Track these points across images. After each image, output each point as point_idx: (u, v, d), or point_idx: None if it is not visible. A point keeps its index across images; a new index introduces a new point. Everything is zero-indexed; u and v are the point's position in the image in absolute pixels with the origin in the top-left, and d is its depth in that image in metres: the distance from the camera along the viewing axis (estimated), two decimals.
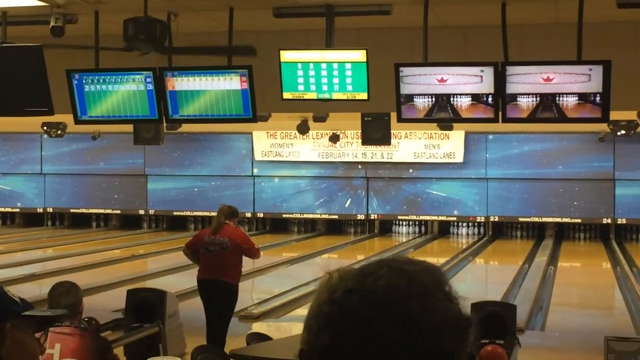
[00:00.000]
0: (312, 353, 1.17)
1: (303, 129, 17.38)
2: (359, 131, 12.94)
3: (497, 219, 21.74)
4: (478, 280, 15.84)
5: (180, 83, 7.16)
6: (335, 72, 7.00)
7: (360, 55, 6.94)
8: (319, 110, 12.60)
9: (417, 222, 22.63)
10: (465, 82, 6.75)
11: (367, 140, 12.71)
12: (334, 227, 22.85)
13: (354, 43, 7.74)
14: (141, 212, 23.50)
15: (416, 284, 1.16)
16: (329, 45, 7.11)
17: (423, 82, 6.83)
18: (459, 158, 21.48)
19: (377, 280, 1.16)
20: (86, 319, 6.60)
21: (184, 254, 8.61)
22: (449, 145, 21.46)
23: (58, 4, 7.37)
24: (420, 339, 1.13)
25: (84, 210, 23.87)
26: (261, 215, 22.86)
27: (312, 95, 7.13)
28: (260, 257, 8.82)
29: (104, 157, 23.35)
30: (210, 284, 8.10)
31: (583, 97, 6.52)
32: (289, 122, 17.63)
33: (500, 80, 6.62)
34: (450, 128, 17.66)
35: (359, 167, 22.27)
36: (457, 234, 22.30)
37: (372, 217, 22.49)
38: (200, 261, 8.29)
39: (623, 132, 16.54)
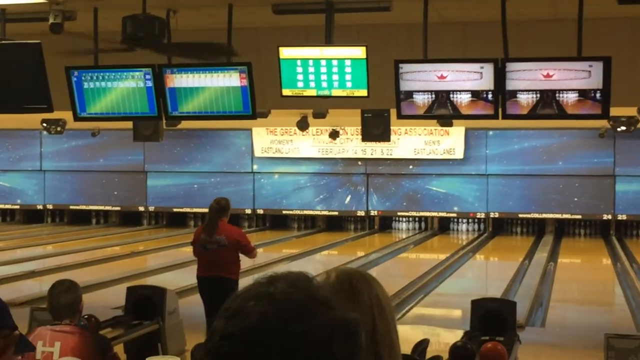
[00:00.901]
0: None
1: (303, 125, 17.37)
2: (359, 127, 12.93)
3: (497, 215, 21.73)
4: (478, 277, 15.84)
5: (180, 80, 7.15)
6: (335, 69, 6.99)
7: (359, 52, 6.93)
8: (318, 107, 12.58)
9: (417, 219, 22.64)
10: (465, 78, 6.74)
11: (367, 136, 12.70)
12: (334, 224, 22.84)
13: (353, 40, 7.73)
14: (141, 208, 23.51)
15: (287, 306, 1.09)
16: (328, 42, 7.10)
17: (423, 78, 6.82)
18: (459, 154, 21.47)
19: (246, 318, 1.09)
20: (86, 317, 6.61)
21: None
22: (449, 142, 21.45)
23: (57, 1, 7.36)
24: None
25: (84, 207, 23.88)
26: (261, 211, 22.86)
27: (311, 92, 7.12)
28: (257, 256, 8.81)
29: (103, 153, 23.35)
30: (210, 280, 8.10)
31: (583, 94, 6.51)
32: (288, 118, 17.62)
33: (500, 76, 6.61)
34: (450, 124, 17.63)
35: (359, 163, 22.26)
36: (457, 230, 22.30)
37: (372, 214, 22.48)
38: (198, 259, 8.29)
39: (623, 128, 16.51)
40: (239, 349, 1.07)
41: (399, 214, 22.51)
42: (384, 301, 1.82)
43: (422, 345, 6.15)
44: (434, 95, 6.81)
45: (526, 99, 6.60)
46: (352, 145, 21.83)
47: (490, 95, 6.69)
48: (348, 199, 22.53)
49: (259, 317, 1.08)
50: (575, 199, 21.12)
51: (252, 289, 1.14)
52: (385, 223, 22.75)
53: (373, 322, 1.72)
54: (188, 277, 10.89)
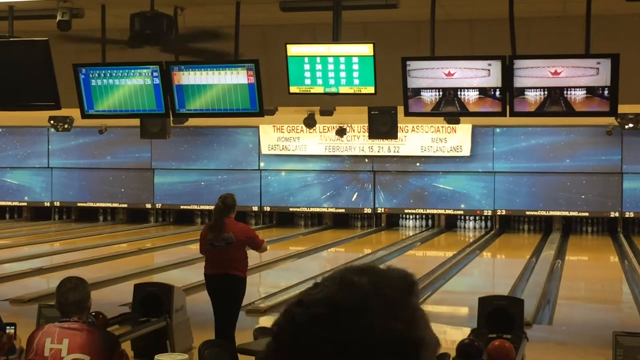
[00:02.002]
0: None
1: (310, 122, 17.36)
2: (366, 125, 12.90)
3: (504, 212, 21.70)
4: (485, 274, 15.82)
5: (187, 77, 7.16)
6: (342, 66, 6.99)
7: (367, 49, 6.93)
8: (325, 104, 12.58)
9: (424, 216, 22.62)
10: (472, 75, 6.73)
11: (374, 134, 12.68)
12: (341, 221, 22.84)
13: (361, 37, 7.72)
14: (148, 206, 23.53)
15: (354, 297, 1.09)
16: (335, 39, 7.09)
17: (430, 75, 6.82)
18: (466, 151, 21.45)
19: (317, 293, 1.11)
20: (93, 314, 6.62)
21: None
22: (456, 139, 21.43)
23: None
24: (347, 356, 1.07)
25: (91, 204, 23.91)
26: (268, 209, 22.86)
27: (319, 89, 7.12)
28: (267, 250, 8.80)
29: (110, 151, 23.38)
30: (217, 278, 8.07)
31: (591, 91, 6.49)
32: (295, 115, 17.61)
33: (507, 73, 6.60)
34: (458, 122, 17.60)
35: (366, 160, 22.25)
36: (464, 227, 22.27)
37: (378, 211, 22.47)
38: (206, 257, 8.26)
39: (631, 125, 16.50)
40: (299, 319, 1.10)
41: (405, 211, 22.49)
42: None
43: None
44: (441, 93, 6.81)
45: (534, 97, 6.59)
46: (359, 142, 21.82)
47: (497, 93, 6.68)
48: (355, 196, 22.53)
49: (324, 296, 1.11)
50: (583, 197, 21.07)
51: (344, 271, 1.15)
52: (392, 220, 22.73)
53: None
54: (195, 274, 10.90)
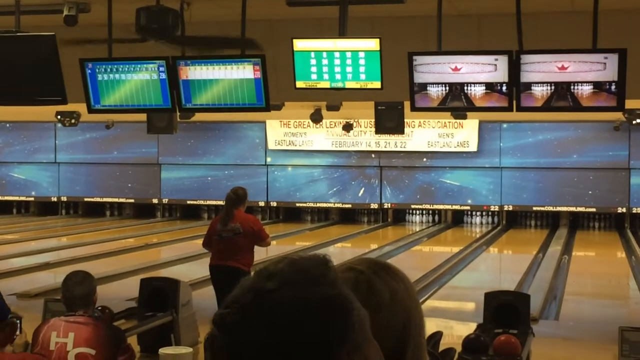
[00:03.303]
0: None
1: (316, 118, 17.37)
2: (373, 120, 12.92)
3: (511, 208, 21.68)
4: (492, 270, 15.81)
5: (194, 72, 7.15)
6: (349, 61, 6.98)
7: (373, 44, 6.91)
8: (332, 99, 12.58)
9: (430, 211, 22.60)
10: (479, 70, 6.72)
11: (380, 129, 12.70)
12: (348, 216, 22.84)
13: (367, 32, 7.71)
14: (155, 201, 23.56)
15: (273, 280, 1.13)
16: (342, 34, 7.08)
17: (437, 70, 6.80)
18: (472, 147, 21.42)
19: (238, 290, 1.17)
20: (100, 308, 6.63)
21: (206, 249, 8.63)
22: (463, 134, 21.40)
23: None
24: (280, 333, 1.08)
25: (98, 199, 23.96)
26: (274, 204, 22.87)
27: (325, 84, 7.11)
28: (270, 244, 8.81)
29: (117, 146, 23.42)
30: (222, 269, 8.09)
31: (598, 86, 6.47)
32: (302, 111, 17.62)
33: (514, 68, 6.58)
34: (464, 117, 17.60)
35: (373, 156, 22.24)
36: (471, 223, 22.25)
37: (385, 206, 22.46)
38: (213, 247, 8.30)
39: (638, 120, 16.46)
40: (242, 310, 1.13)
41: (412, 206, 22.48)
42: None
43: (435, 337, 6.15)
44: (448, 88, 6.79)
45: (541, 91, 6.58)
46: (365, 137, 21.81)
47: (504, 88, 6.67)
48: (362, 191, 22.52)
49: (249, 286, 1.15)
50: (590, 192, 21.03)
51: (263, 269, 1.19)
52: (399, 216, 22.72)
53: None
54: (201, 269, 10.90)
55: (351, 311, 1.13)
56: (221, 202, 8.36)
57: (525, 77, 6.58)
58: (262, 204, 22.54)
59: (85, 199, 24.04)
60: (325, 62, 7.02)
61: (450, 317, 10.15)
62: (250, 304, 1.12)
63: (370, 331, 1.17)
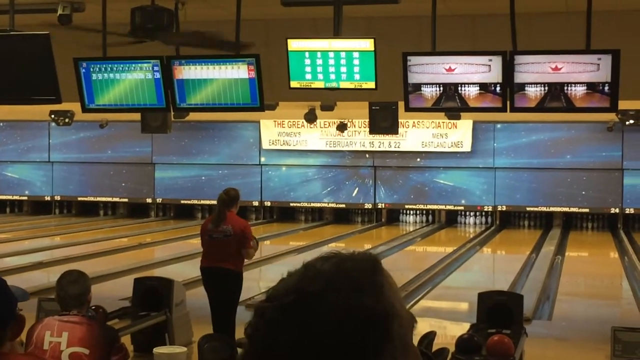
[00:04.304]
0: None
1: (310, 117, 17.38)
2: (367, 120, 12.93)
3: (504, 208, 21.71)
4: (485, 270, 15.83)
5: (188, 72, 7.16)
6: (343, 61, 6.98)
7: (368, 44, 6.92)
8: (326, 99, 12.59)
9: (424, 212, 22.63)
10: (473, 71, 6.73)
11: (374, 129, 12.71)
12: (342, 216, 22.85)
13: (362, 32, 7.72)
14: (148, 200, 23.54)
15: (318, 281, 1.13)
16: (337, 34, 7.09)
17: (431, 71, 6.81)
18: (466, 147, 21.45)
19: (282, 286, 1.16)
20: (93, 307, 6.63)
21: None
22: (457, 135, 21.43)
23: None
24: (317, 337, 1.10)
25: (92, 199, 23.92)
26: (268, 204, 22.86)
27: (319, 84, 7.12)
28: (251, 258, 8.57)
29: (111, 145, 23.39)
30: (212, 271, 8.04)
31: (592, 87, 6.49)
32: (296, 110, 17.63)
33: (508, 69, 6.60)
34: (458, 117, 17.64)
35: (367, 156, 22.25)
36: (465, 223, 22.28)
37: (379, 206, 22.48)
38: (203, 247, 8.25)
39: (632, 121, 16.50)
40: (271, 310, 1.14)
41: (406, 206, 22.50)
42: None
43: (428, 337, 6.16)
44: (442, 88, 6.80)
45: (534, 92, 6.59)
46: (359, 137, 21.82)
47: (498, 88, 6.68)
48: (355, 191, 22.53)
49: (293, 284, 1.15)
50: (583, 193, 21.08)
51: (310, 262, 1.19)
52: (393, 216, 22.74)
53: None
54: (195, 269, 10.86)
55: (391, 324, 1.14)
56: (215, 202, 8.32)
57: (519, 78, 6.60)
58: (256, 203, 22.54)
59: (79, 198, 24.01)
60: (319, 62, 7.03)
61: (444, 317, 10.16)
62: (292, 303, 1.12)
63: (412, 339, 1.18)
